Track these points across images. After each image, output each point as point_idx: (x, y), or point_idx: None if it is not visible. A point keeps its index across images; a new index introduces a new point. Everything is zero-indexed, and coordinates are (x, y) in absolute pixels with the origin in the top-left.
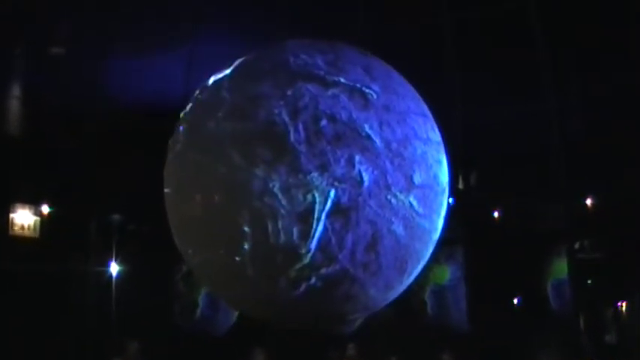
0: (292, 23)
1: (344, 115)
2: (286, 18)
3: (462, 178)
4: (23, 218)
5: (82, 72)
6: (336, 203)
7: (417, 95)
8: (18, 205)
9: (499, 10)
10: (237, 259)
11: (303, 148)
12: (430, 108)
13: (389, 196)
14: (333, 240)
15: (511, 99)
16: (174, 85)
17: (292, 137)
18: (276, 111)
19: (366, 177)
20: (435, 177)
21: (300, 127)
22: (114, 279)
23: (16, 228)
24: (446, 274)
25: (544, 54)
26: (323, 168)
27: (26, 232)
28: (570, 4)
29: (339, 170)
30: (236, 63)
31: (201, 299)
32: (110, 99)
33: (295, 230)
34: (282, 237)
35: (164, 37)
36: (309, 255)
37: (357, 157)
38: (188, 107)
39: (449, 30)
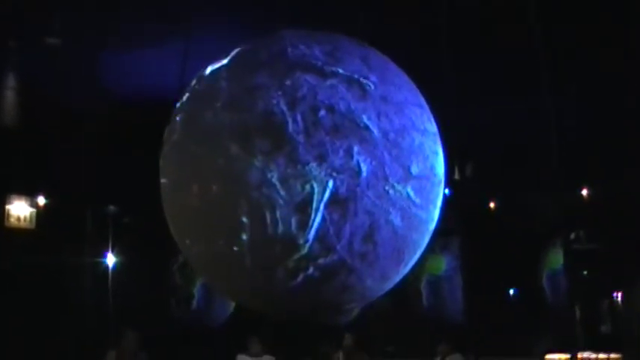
0: (292, 23)
1: (342, 106)
2: (286, 18)
3: (459, 169)
4: (19, 210)
5: (79, 62)
6: (334, 194)
7: (414, 86)
8: (14, 196)
9: (499, 9)
10: (235, 249)
11: (301, 138)
12: (427, 99)
13: (387, 187)
14: (331, 230)
15: (509, 93)
16: (170, 77)
17: (290, 128)
18: (274, 101)
19: (364, 168)
20: (432, 168)
21: (299, 117)
22: (110, 270)
23: (11, 219)
24: (442, 264)
25: (543, 53)
26: (321, 158)
27: (22, 224)
28: (570, 4)
29: (337, 161)
30: (233, 53)
31: (196, 290)
32: (107, 89)
33: (293, 220)
34: (281, 227)
35: (161, 29)
36: (307, 245)
37: (356, 148)
38: (185, 97)
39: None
